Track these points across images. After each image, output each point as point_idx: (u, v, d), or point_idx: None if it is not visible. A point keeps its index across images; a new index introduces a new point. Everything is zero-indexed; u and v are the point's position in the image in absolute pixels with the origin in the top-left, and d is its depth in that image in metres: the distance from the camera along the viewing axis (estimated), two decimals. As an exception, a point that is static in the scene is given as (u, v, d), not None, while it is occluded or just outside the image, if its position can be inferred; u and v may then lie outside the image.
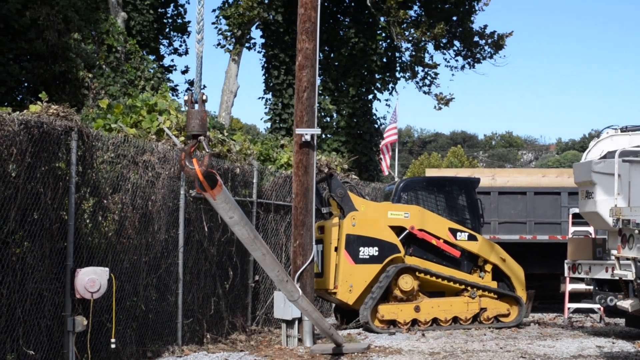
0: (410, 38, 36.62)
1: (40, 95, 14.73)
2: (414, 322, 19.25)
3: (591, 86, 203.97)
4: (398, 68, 39.08)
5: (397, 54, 38.72)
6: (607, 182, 17.82)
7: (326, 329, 14.93)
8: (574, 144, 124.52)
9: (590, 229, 22.24)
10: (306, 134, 17.06)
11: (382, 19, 36.96)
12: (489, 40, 38.24)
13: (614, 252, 17.14)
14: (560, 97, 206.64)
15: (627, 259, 14.98)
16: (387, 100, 61.78)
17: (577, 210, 20.62)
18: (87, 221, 13.62)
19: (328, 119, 37.11)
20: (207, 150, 8.92)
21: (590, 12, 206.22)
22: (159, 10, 36.77)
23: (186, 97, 8.85)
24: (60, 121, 13.01)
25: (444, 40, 38.47)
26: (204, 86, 35.37)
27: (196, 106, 8.79)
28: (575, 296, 22.38)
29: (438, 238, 19.85)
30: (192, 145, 8.86)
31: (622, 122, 19.91)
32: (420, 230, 19.64)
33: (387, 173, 36.17)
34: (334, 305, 21.41)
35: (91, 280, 12.77)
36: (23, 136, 12.07)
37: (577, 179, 19.04)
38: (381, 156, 34.12)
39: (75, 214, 13.09)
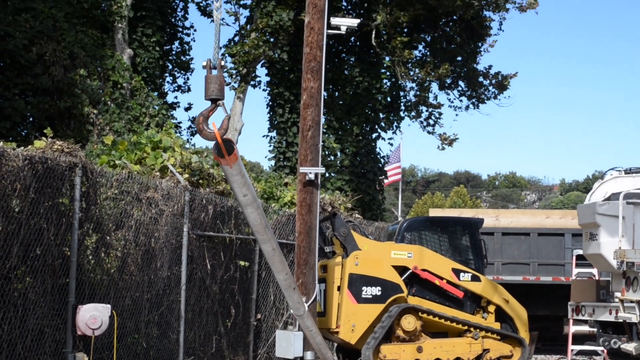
0: (415, 78, 36.73)
1: (45, 131, 14.77)
2: (417, 362, 19.11)
3: (595, 127, 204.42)
4: (402, 107, 39.15)
5: (401, 94, 38.82)
6: (611, 224, 17.77)
7: (329, 358, 14.85)
8: (578, 185, 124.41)
9: (594, 271, 22.18)
10: (310, 173, 17.05)
11: (387, 58, 37.09)
12: (493, 81, 38.33)
13: (618, 294, 17.08)
14: (564, 138, 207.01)
15: (632, 301, 14.93)
16: (390, 139, 61.87)
17: (580, 252, 20.56)
18: (90, 257, 13.61)
19: (332, 157, 37.13)
20: (226, 114, 8.91)
21: (594, 53, 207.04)
22: (164, 47, 36.94)
23: (204, 63, 8.84)
24: (65, 157, 13.04)
25: (449, 81, 38.57)
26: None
27: (214, 72, 8.78)
28: (579, 338, 22.26)
29: (441, 278, 19.76)
30: (211, 109, 8.93)
31: (626, 164, 19.90)
32: (424, 270, 19.55)
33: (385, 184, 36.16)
34: (335, 345, 21.28)
35: (93, 317, 12.72)
36: (27, 172, 12.08)
37: (581, 221, 19.00)
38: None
39: (78, 250, 13.08)
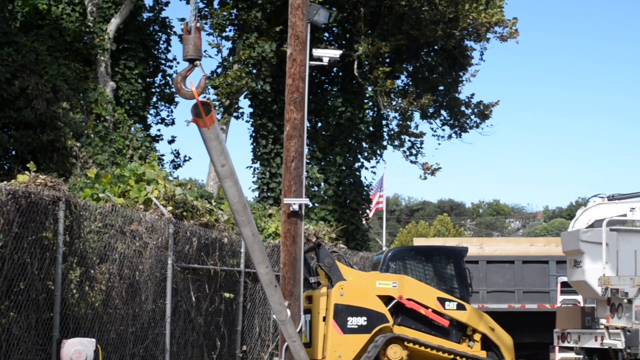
0: (397, 107, 36.87)
1: (28, 165, 14.75)
2: (403, 392, 19.04)
3: (578, 154, 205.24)
4: (385, 137, 39.26)
5: (384, 123, 38.93)
6: (595, 251, 17.83)
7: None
8: (562, 212, 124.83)
9: (579, 298, 22.20)
10: (294, 204, 17.06)
11: (369, 88, 37.22)
12: (476, 110, 38.52)
13: (603, 321, 17.12)
14: (547, 165, 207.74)
15: (617, 328, 14.96)
16: (373, 167, 61.84)
17: (565, 279, 20.61)
18: (74, 291, 13.55)
19: (316, 187, 37.14)
20: (204, 74, 9.06)
21: (576, 80, 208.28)
22: (147, 79, 36.97)
23: (182, 26, 9.23)
24: (48, 191, 13.02)
25: (431, 110, 38.73)
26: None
27: (192, 34, 9.10)
28: (565, 365, 22.24)
29: (426, 307, 19.74)
30: (188, 69, 9.12)
31: (610, 191, 20.01)
32: (409, 299, 19.53)
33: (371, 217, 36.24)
34: (322, 375, 21.20)
35: (77, 351, 12.66)
36: (10, 206, 12.06)
37: (565, 248, 19.06)
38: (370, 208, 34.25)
39: (62, 284, 13.03)
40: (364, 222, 38.70)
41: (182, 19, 36.56)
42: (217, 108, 35.90)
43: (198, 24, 9.12)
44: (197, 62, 9.14)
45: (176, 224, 17.03)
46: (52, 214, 13.00)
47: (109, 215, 14.76)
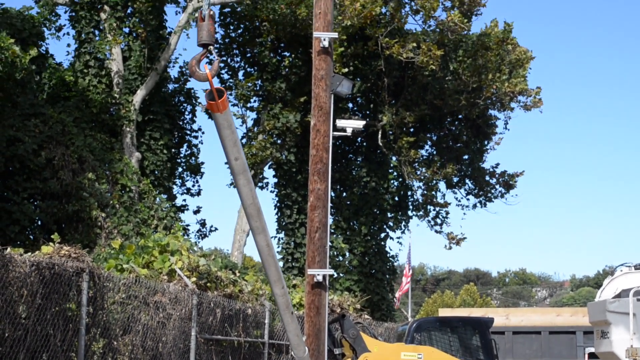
0: (422, 177, 36.90)
1: (52, 237, 14.79)
2: None
3: (605, 221, 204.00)
4: (410, 207, 39.22)
5: (409, 193, 38.93)
6: (623, 322, 17.63)
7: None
8: (589, 281, 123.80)
9: (607, 370, 21.86)
10: (318, 275, 16.97)
11: (393, 158, 37.30)
12: (500, 180, 38.50)
13: (632, 393, 16.85)
14: (574, 232, 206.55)
15: (645, 401, 14.71)
16: (399, 238, 61.80)
17: (593, 350, 20.36)
18: (97, 363, 13.48)
19: (340, 257, 37.05)
20: (217, 58, 9.39)
21: (601, 147, 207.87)
22: (173, 150, 37.19)
23: (197, 15, 9.55)
24: (72, 262, 13.04)
25: (456, 179, 38.75)
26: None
27: (205, 21, 9.46)
28: None
29: (452, 379, 19.52)
30: (202, 54, 9.41)
31: (636, 259, 19.84)
32: (434, 371, 19.33)
33: (397, 305, 36.07)
34: None
35: None
36: (34, 277, 12.07)
37: (592, 319, 18.85)
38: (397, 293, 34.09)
39: (85, 356, 12.98)
40: (389, 295, 38.48)
41: (203, 90, 36.89)
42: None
43: (211, 12, 9.48)
44: (211, 46, 9.51)
45: (200, 295, 16.99)
46: (75, 285, 13.00)
47: (132, 286, 14.75)
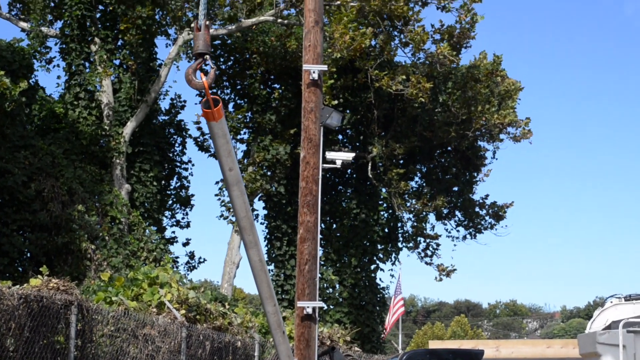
0: (412, 209, 36.94)
1: (41, 269, 14.75)
2: None
3: (595, 252, 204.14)
4: (400, 238, 39.20)
5: (399, 225, 38.93)
6: (613, 354, 17.59)
7: None
8: (579, 312, 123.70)
9: (598, 402, 21.79)
10: (308, 307, 16.93)
11: (383, 189, 37.33)
12: (490, 211, 38.56)
13: None
14: (564, 263, 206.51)
15: None
16: (390, 270, 61.68)
17: (583, 383, 20.27)
18: (85, 397, 13.41)
19: (331, 289, 36.99)
20: (212, 67, 9.59)
21: (590, 178, 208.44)
22: (162, 182, 37.14)
23: (193, 25, 9.83)
24: (60, 295, 12.99)
25: (445, 211, 38.79)
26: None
27: (202, 31, 9.67)
28: None
29: (442, 412, 19.48)
30: (198, 63, 9.59)
31: (627, 290, 19.87)
32: (424, 403, 19.28)
33: (386, 334, 36.02)
34: None
35: None
36: (22, 310, 12.03)
37: (582, 350, 18.81)
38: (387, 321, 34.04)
39: (73, 390, 12.90)
40: (380, 327, 38.41)
41: (197, 122, 37.01)
42: (231, 210, 35.98)
43: (207, 22, 9.67)
44: (207, 55, 9.67)
45: (189, 328, 16.93)
46: (64, 317, 12.95)
47: (121, 319, 14.70)
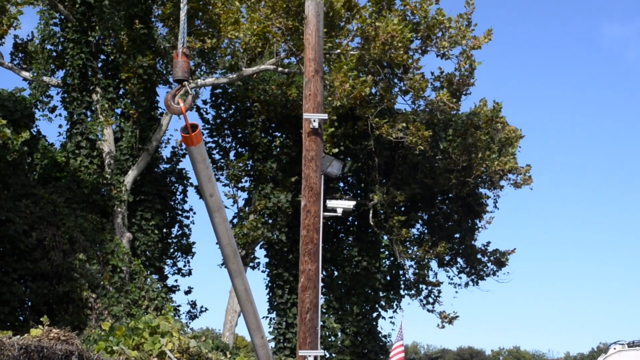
0: (414, 256, 36.89)
1: (42, 319, 14.71)
2: None
3: (599, 298, 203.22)
4: (402, 286, 39.10)
5: (400, 272, 38.85)
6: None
7: None
8: (583, 358, 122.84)
9: None
10: (309, 356, 16.88)
11: (385, 237, 37.30)
12: (492, 258, 38.50)
13: None
14: (567, 309, 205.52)
15: None
16: (391, 317, 61.42)
17: None
18: None
19: (332, 337, 36.83)
20: (191, 93, 9.84)
21: (592, 224, 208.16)
22: (164, 230, 37.12)
23: (174, 53, 10.14)
24: (61, 345, 12.96)
25: (447, 258, 38.73)
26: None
27: (179, 58, 9.95)
28: None
29: None
30: (177, 89, 9.86)
31: (630, 336, 19.80)
32: None
33: None
34: None
35: None
36: (23, 361, 11.98)
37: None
38: None
39: None
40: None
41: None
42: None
43: (185, 50, 9.98)
44: (185, 82, 9.94)
45: (190, 377, 16.85)
46: (64, 368, 12.90)
47: (122, 368, 14.64)
